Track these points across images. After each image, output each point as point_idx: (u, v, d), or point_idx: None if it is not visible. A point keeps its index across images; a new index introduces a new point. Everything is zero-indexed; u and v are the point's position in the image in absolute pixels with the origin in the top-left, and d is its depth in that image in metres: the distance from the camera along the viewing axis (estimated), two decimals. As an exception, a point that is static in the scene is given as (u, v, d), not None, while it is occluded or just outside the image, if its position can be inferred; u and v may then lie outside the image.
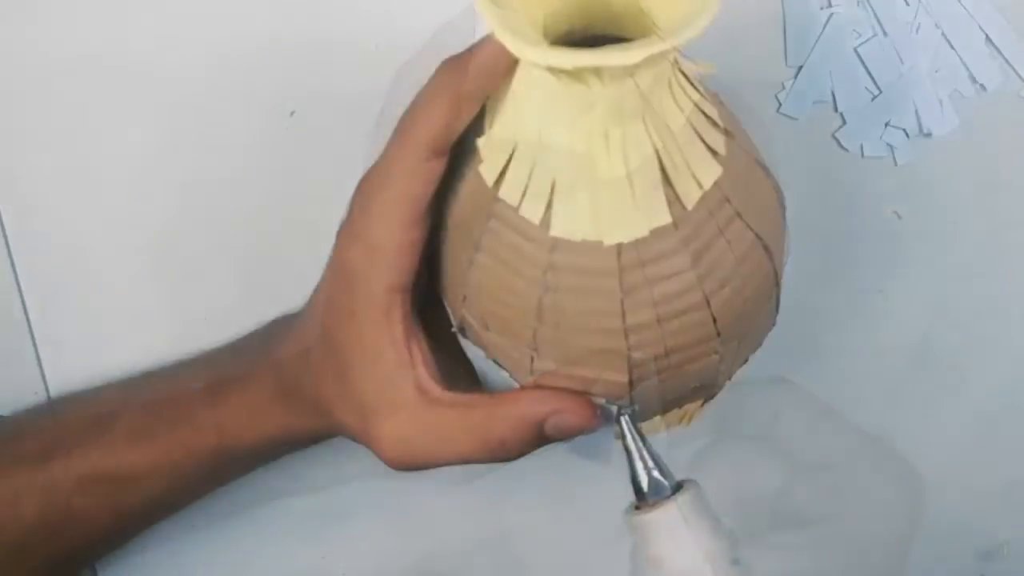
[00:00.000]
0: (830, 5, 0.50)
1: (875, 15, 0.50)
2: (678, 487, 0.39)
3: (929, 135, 0.52)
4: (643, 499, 0.39)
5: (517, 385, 0.40)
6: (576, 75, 0.31)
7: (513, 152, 0.36)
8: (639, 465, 0.39)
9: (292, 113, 0.48)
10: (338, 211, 0.41)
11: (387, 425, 0.40)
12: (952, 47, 0.51)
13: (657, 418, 0.42)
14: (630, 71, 0.32)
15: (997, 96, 0.51)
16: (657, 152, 0.35)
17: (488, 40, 0.37)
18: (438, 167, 0.39)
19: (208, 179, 0.48)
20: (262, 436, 0.45)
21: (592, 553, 0.57)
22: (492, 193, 0.37)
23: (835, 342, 0.55)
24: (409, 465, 0.41)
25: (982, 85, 0.51)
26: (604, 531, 0.56)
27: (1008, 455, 0.58)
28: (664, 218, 0.36)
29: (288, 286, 0.48)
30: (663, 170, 0.35)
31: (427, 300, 0.42)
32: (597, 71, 0.31)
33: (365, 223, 0.40)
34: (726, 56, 0.47)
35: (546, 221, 0.36)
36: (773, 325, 0.43)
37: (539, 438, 0.39)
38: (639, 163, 0.34)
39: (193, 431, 0.45)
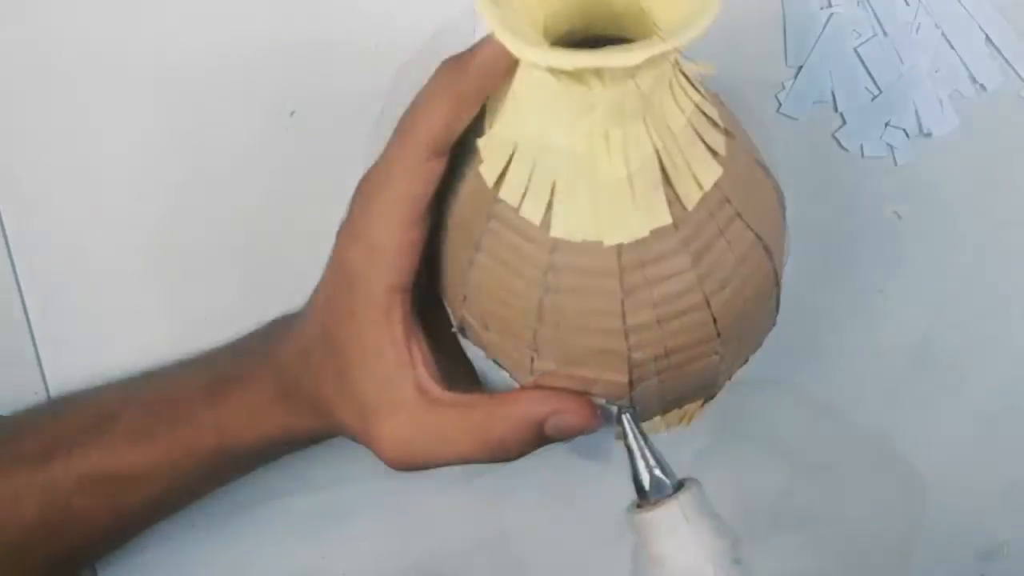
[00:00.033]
0: (830, 5, 0.50)
1: (875, 15, 0.50)
2: (679, 486, 0.39)
3: (929, 135, 0.52)
4: (645, 498, 0.39)
5: (517, 385, 0.40)
6: (577, 76, 0.31)
7: (513, 152, 0.36)
8: (641, 464, 0.39)
9: (292, 113, 0.48)
10: (338, 211, 0.41)
11: (387, 425, 0.40)
12: (952, 47, 0.51)
13: (657, 418, 0.42)
14: (631, 72, 0.32)
15: (997, 96, 0.51)
16: (657, 152, 0.35)
17: (488, 40, 0.37)
18: (438, 167, 0.39)
19: (208, 179, 0.48)
20: (262, 436, 0.45)
21: (592, 553, 0.57)
22: (492, 193, 0.37)
23: (835, 342, 0.55)
24: (409, 465, 0.41)
25: (982, 85, 0.51)
26: (604, 531, 0.56)
27: (1008, 455, 0.58)
28: (664, 219, 0.36)
29: (288, 286, 0.48)
30: (663, 170, 0.35)
31: (427, 300, 0.42)
32: (598, 72, 0.31)
33: (365, 223, 0.40)
34: (726, 56, 0.47)
35: (546, 221, 0.36)
36: (773, 325, 0.43)
37: (539, 438, 0.39)
38: (640, 164, 0.34)
39: (193, 431, 0.45)
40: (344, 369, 0.41)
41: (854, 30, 0.50)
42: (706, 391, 0.42)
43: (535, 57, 0.30)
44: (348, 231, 0.41)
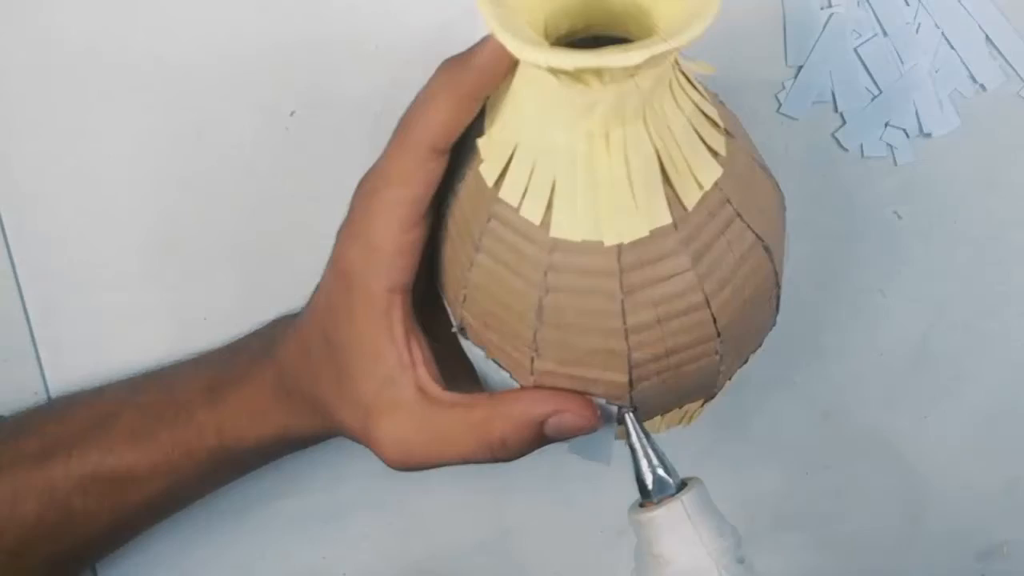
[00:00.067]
0: (830, 5, 0.50)
1: (875, 15, 0.50)
2: (683, 485, 0.39)
3: (929, 135, 0.52)
4: (648, 497, 0.39)
5: (517, 385, 0.40)
6: (576, 76, 0.31)
7: (513, 152, 0.36)
8: (644, 463, 0.39)
9: (292, 113, 0.48)
10: (338, 211, 0.41)
11: (387, 425, 0.40)
12: (952, 47, 0.51)
13: (657, 418, 0.42)
14: (631, 72, 0.32)
15: (997, 96, 0.51)
16: (657, 153, 0.35)
17: (488, 40, 0.37)
18: (438, 167, 0.39)
19: (208, 179, 0.48)
20: (262, 436, 0.45)
21: (592, 553, 0.57)
22: (492, 193, 0.37)
23: (835, 342, 0.55)
24: (409, 465, 0.41)
25: (982, 85, 0.51)
26: (604, 531, 0.56)
27: (1008, 455, 0.58)
28: (664, 219, 0.36)
29: (288, 286, 0.48)
30: (663, 171, 0.35)
31: (427, 300, 0.42)
32: (598, 72, 0.31)
33: (365, 223, 0.40)
34: (726, 56, 0.47)
35: (546, 222, 0.36)
36: (773, 325, 0.43)
37: (539, 438, 0.39)
38: (640, 164, 0.34)
39: (193, 431, 0.45)
40: (344, 369, 0.41)
41: (854, 30, 0.50)
42: (706, 391, 0.41)
43: (535, 57, 0.30)
44: (348, 231, 0.40)
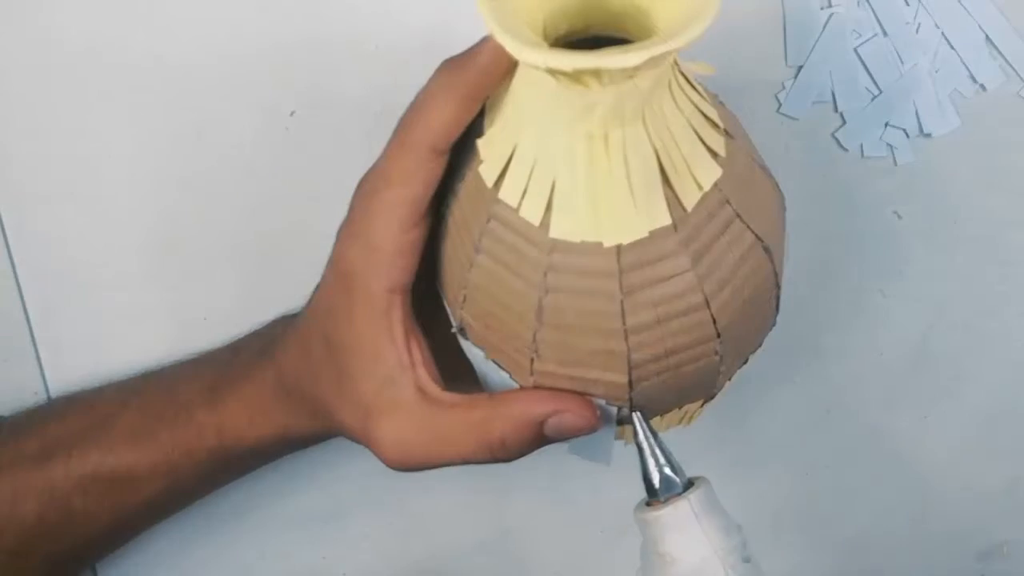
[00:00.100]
0: (830, 5, 0.50)
1: (875, 15, 0.50)
2: (689, 484, 0.39)
3: (929, 135, 0.52)
4: (654, 496, 0.39)
5: (517, 386, 0.40)
6: (576, 77, 0.31)
7: (513, 153, 0.36)
8: (651, 462, 0.39)
9: (292, 113, 0.48)
10: (338, 211, 0.41)
11: (387, 426, 0.40)
12: (952, 47, 0.51)
13: (657, 418, 0.42)
14: (630, 73, 0.32)
15: (997, 96, 0.51)
16: (657, 153, 0.35)
17: (488, 40, 0.37)
18: (438, 167, 0.39)
19: (208, 179, 0.48)
20: (262, 436, 0.45)
21: (592, 553, 0.57)
22: (492, 194, 0.37)
23: (835, 342, 0.55)
24: (409, 465, 0.41)
25: (982, 85, 0.51)
26: (604, 531, 0.56)
27: (1008, 455, 0.58)
28: (664, 219, 0.36)
29: (288, 286, 0.48)
30: (663, 171, 0.35)
31: (427, 300, 0.42)
32: (597, 73, 0.31)
33: (365, 223, 0.40)
34: (726, 56, 0.47)
35: (546, 222, 0.36)
36: (773, 325, 0.42)
37: (539, 438, 0.39)
38: (639, 164, 0.34)
39: (193, 431, 0.45)
40: (344, 369, 0.41)
41: (854, 30, 0.50)
42: (706, 391, 0.41)
43: (534, 58, 0.30)
44: (348, 231, 0.40)
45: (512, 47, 0.30)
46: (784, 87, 0.50)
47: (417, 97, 0.39)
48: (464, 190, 0.39)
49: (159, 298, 0.50)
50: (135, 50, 0.47)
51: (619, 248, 0.36)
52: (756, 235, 0.38)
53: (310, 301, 0.44)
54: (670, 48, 0.30)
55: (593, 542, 0.57)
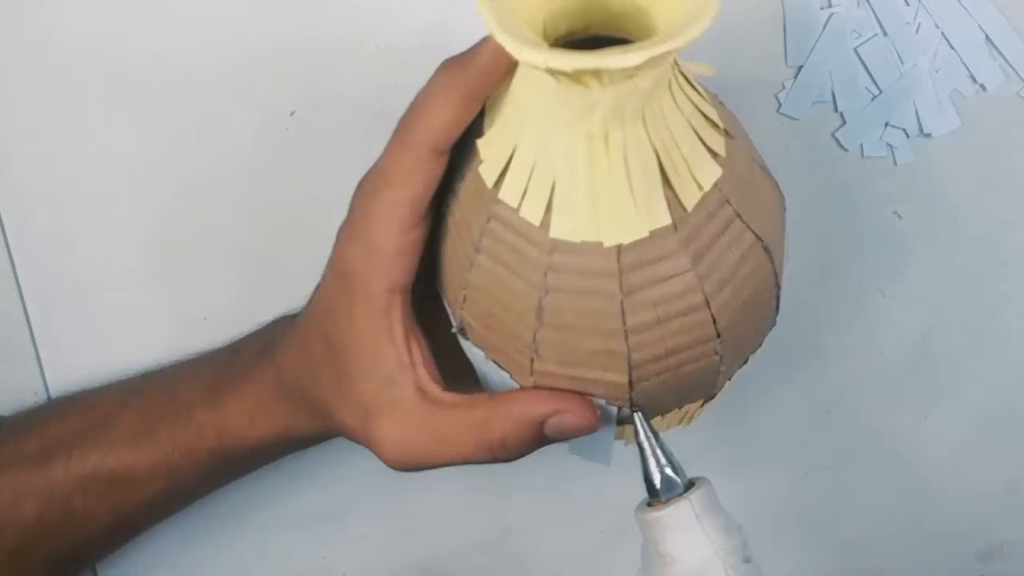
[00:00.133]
0: (830, 5, 0.50)
1: (875, 15, 0.50)
2: (690, 485, 0.39)
3: (929, 135, 0.52)
4: (655, 496, 0.39)
5: (517, 386, 0.40)
6: (576, 77, 0.31)
7: (513, 153, 0.36)
8: (652, 462, 0.39)
9: (292, 113, 0.48)
10: (338, 211, 0.41)
11: (387, 426, 0.40)
12: (952, 47, 0.51)
13: (657, 418, 0.42)
14: (630, 73, 0.32)
15: (997, 96, 0.51)
16: (657, 153, 0.35)
17: (488, 40, 0.37)
18: (438, 168, 0.39)
19: (208, 179, 0.48)
20: (262, 437, 0.45)
21: (592, 553, 0.57)
22: (492, 194, 0.37)
23: (835, 342, 0.55)
24: (409, 465, 0.41)
25: (982, 85, 0.51)
26: (604, 531, 0.56)
27: (1008, 455, 0.58)
28: (664, 219, 0.36)
29: (288, 286, 0.48)
30: (663, 171, 0.35)
31: (427, 300, 0.42)
32: (597, 73, 0.31)
33: (365, 223, 0.40)
34: (726, 56, 0.47)
35: (546, 222, 0.36)
36: (773, 325, 0.42)
37: (539, 438, 0.39)
38: (639, 164, 0.34)
39: (193, 431, 0.45)
40: (344, 369, 0.41)
41: (854, 30, 0.50)
42: (706, 391, 0.41)
43: (534, 58, 0.30)
44: (348, 231, 0.40)
45: (512, 47, 0.30)
46: (784, 87, 0.50)
47: (417, 97, 0.39)
48: (464, 190, 0.39)
49: (159, 298, 0.50)
50: (135, 50, 0.47)
51: (619, 248, 0.36)
52: (756, 235, 0.38)
53: (310, 301, 0.44)
54: (670, 48, 0.30)
55: (593, 542, 0.57)
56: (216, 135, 0.48)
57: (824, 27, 0.50)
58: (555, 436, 0.39)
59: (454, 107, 0.38)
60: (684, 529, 0.38)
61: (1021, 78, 0.51)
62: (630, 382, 0.38)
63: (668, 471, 0.39)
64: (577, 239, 0.36)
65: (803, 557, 0.59)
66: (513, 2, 0.32)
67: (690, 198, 0.36)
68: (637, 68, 0.30)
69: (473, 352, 0.40)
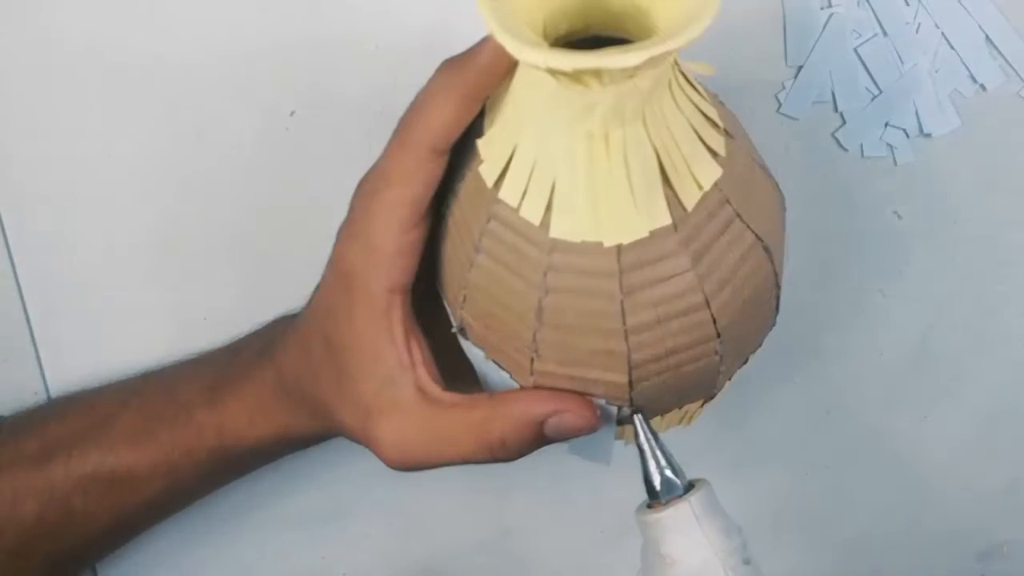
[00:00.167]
0: (830, 5, 0.50)
1: (875, 15, 0.50)
2: (690, 486, 0.39)
3: (929, 135, 0.52)
4: (655, 498, 0.39)
5: (517, 386, 0.40)
6: (576, 77, 0.31)
7: (513, 153, 0.36)
8: (652, 464, 0.39)
9: (292, 113, 0.48)
10: (338, 211, 0.41)
11: (387, 426, 0.40)
12: (952, 47, 0.51)
13: (657, 418, 0.42)
14: (630, 73, 0.32)
15: (997, 96, 0.51)
16: (657, 153, 0.35)
17: (488, 40, 0.37)
18: (438, 168, 0.39)
19: (208, 179, 0.48)
20: (262, 437, 0.45)
21: (592, 553, 0.57)
22: (492, 194, 0.37)
23: (835, 342, 0.55)
24: (409, 465, 0.41)
25: (982, 85, 0.51)
26: (604, 531, 0.56)
27: (1008, 455, 0.58)
28: (664, 219, 0.36)
29: (288, 286, 0.48)
30: (663, 171, 0.35)
31: (427, 300, 0.42)
32: (597, 73, 0.31)
33: (365, 223, 0.40)
34: (726, 56, 0.47)
35: (546, 222, 0.36)
36: (773, 325, 0.43)
37: (539, 438, 0.39)
38: (639, 164, 0.34)
39: (193, 431, 0.45)
40: (344, 369, 0.41)
41: (854, 30, 0.50)
42: (706, 391, 0.41)
43: (533, 58, 0.30)
44: (348, 231, 0.40)
45: (512, 47, 0.30)
46: (784, 87, 0.50)
47: (417, 97, 0.39)
48: (464, 190, 0.39)
49: (159, 298, 0.50)
50: (135, 50, 0.47)
51: (619, 248, 0.36)
52: (756, 235, 0.38)
53: (310, 301, 0.44)
54: (670, 48, 0.30)
55: (593, 542, 0.57)
56: (216, 135, 0.48)
57: (824, 27, 0.50)
58: (555, 436, 0.39)
59: (454, 107, 0.38)
60: (684, 531, 0.38)
61: (1021, 78, 0.51)
62: (630, 382, 0.38)
63: (668, 473, 0.39)
64: (577, 239, 0.36)
65: (803, 557, 0.59)
66: (513, 2, 0.32)
67: (690, 198, 0.36)
68: (637, 68, 0.30)
69: (473, 352, 0.40)
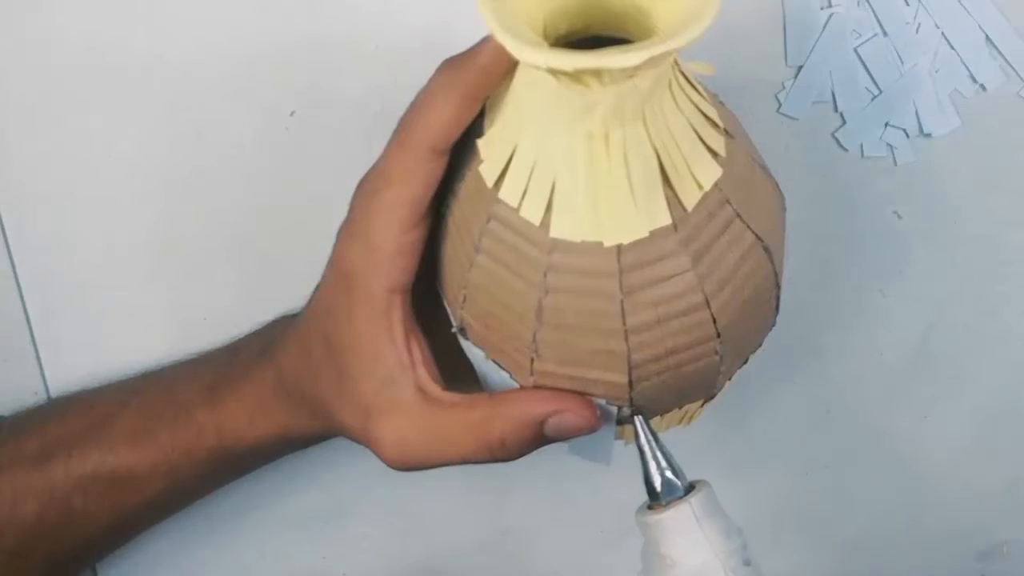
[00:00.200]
0: (830, 5, 0.50)
1: (875, 15, 0.50)
2: (690, 487, 0.39)
3: (929, 135, 0.52)
4: (656, 499, 0.39)
5: (517, 386, 0.40)
6: (576, 77, 0.31)
7: (513, 153, 0.36)
8: (652, 465, 0.39)
9: (292, 113, 0.48)
10: (338, 211, 0.41)
11: (387, 425, 0.40)
12: (952, 47, 0.51)
13: (657, 418, 0.42)
14: (630, 73, 0.32)
15: (997, 96, 0.51)
16: (657, 153, 0.35)
17: (488, 40, 0.37)
18: (438, 168, 0.39)
19: (208, 179, 0.48)
20: (262, 436, 0.45)
21: (592, 553, 0.57)
22: (492, 194, 0.37)
23: (835, 342, 0.55)
24: (409, 465, 0.41)
25: (982, 85, 0.51)
26: (604, 531, 0.56)
27: (1008, 455, 0.58)
28: (664, 219, 0.36)
29: (288, 286, 0.48)
30: (663, 171, 0.35)
31: (427, 300, 0.42)
32: (597, 73, 0.31)
33: (365, 223, 0.40)
34: (726, 56, 0.47)
35: (546, 222, 0.36)
36: (773, 325, 0.43)
37: (539, 438, 0.39)
38: (639, 164, 0.34)
39: (193, 431, 0.45)
40: (344, 369, 0.41)
41: (854, 30, 0.50)
42: (706, 391, 0.41)
43: (534, 58, 0.30)
44: (348, 231, 0.40)
45: (512, 47, 0.30)
46: (784, 87, 0.50)
47: (417, 97, 0.39)
48: (464, 190, 0.39)
49: (159, 298, 0.50)
50: (135, 50, 0.47)
51: (619, 248, 0.36)
52: (756, 235, 0.38)
53: (310, 301, 0.44)
54: (670, 48, 0.30)
55: (593, 542, 0.57)
56: (216, 135, 0.48)
57: (824, 27, 0.50)
58: (555, 436, 0.39)
59: (454, 107, 0.38)
60: (684, 532, 0.38)
61: (1021, 78, 0.51)
62: (630, 382, 0.38)
63: (668, 474, 0.39)
64: (577, 239, 0.36)
65: (803, 557, 0.59)
66: (513, 2, 0.32)
67: (690, 198, 0.36)
68: (637, 68, 0.30)
69: (473, 352, 0.40)
